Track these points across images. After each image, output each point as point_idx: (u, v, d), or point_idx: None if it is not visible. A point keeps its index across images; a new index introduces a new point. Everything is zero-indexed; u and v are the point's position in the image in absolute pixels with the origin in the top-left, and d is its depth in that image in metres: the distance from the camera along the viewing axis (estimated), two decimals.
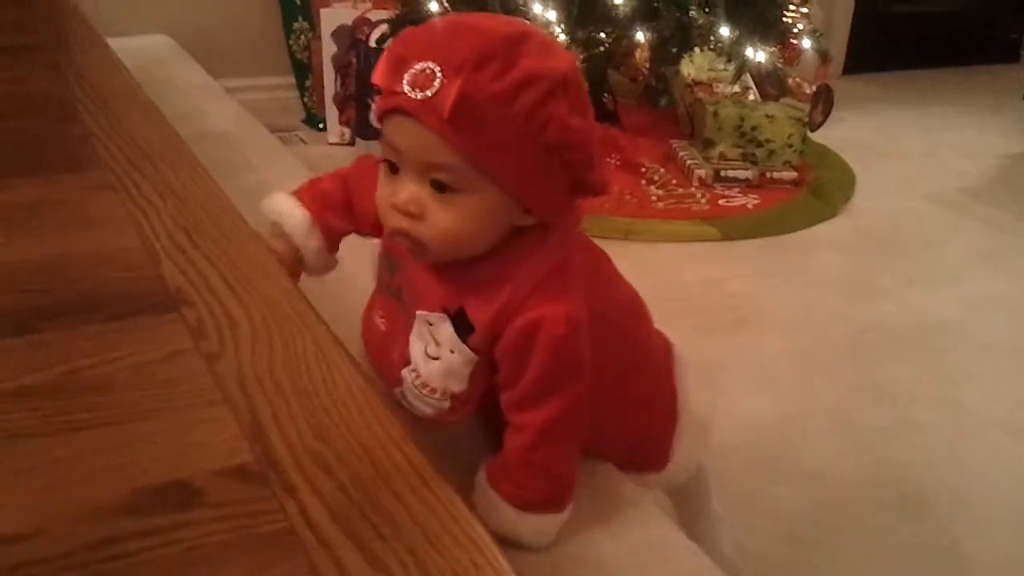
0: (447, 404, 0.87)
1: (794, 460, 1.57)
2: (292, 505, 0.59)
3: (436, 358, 0.85)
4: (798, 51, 2.61)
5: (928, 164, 3.02)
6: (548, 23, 2.40)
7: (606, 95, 2.90)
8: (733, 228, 2.41)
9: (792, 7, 2.53)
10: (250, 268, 0.90)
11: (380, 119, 0.81)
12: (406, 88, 0.76)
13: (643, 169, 2.66)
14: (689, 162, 2.69)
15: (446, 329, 0.84)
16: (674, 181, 2.63)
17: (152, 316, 0.81)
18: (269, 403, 0.69)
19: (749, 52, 2.46)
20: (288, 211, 0.99)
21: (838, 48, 3.92)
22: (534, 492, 0.87)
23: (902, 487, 1.52)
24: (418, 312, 0.85)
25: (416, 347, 0.86)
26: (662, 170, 2.67)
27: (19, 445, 0.65)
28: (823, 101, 2.91)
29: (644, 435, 1.02)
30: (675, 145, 2.81)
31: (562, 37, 2.43)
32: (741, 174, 2.66)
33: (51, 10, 1.91)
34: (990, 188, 2.84)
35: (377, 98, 0.81)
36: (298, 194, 1.01)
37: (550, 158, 0.79)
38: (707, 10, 2.34)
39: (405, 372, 0.87)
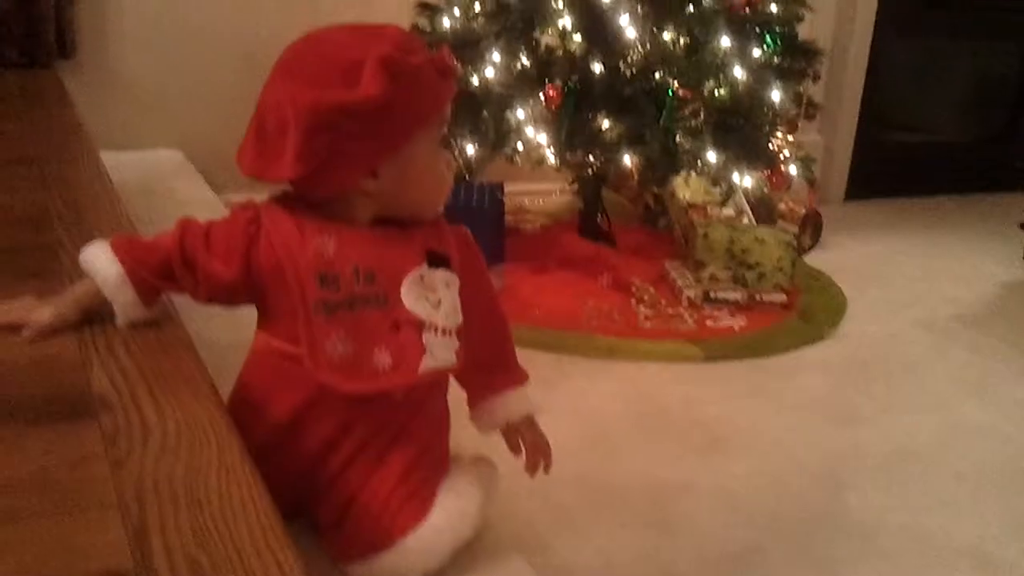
0: (459, 342, 1.05)
1: None
2: None
3: (439, 302, 1.03)
4: (787, 177, 2.66)
5: (922, 290, 3.03)
6: (539, 145, 2.47)
7: (600, 215, 2.96)
8: (717, 349, 2.42)
9: (778, 134, 2.59)
10: (178, 378, 0.93)
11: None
12: None
13: (633, 289, 2.70)
14: (680, 283, 2.73)
15: (435, 272, 1.04)
16: (663, 301, 2.66)
17: (70, 422, 0.84)
18: (160, 511, 0.71)
19: (736, 177, 2.51)
20: (101, 265, 1.02)
21: (839, 174, 3.99)
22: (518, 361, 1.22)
23: None
24: (406, 278, 1.02)
25: (421, 308, 1.02)
26: (652, 290, 2.70)
27: None
28: (811, 226, 2.95)
29: None
30: (668, 266, 2.85)
31: (552, 160, 2.50)
32: (731, 296, 2.69)
33: (51, 124, 2.00)
34: (982, 315, 2.84)
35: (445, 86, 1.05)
36: (116, 247, 1.04)
37: None
38: (693, 136, 2.40)
39: (427, 336, 1.01)
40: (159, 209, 1.75)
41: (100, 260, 1.02)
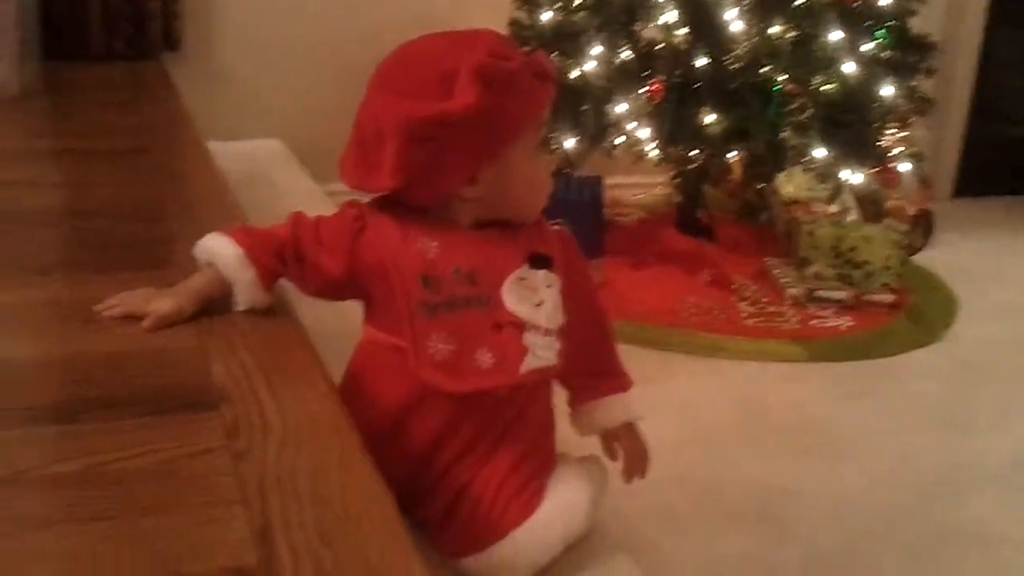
0: (560, 343, 1.03)
1: None
2: None
3: (540, 303, 1.01)
4: (896, 174, 2.57)
5: None
6: (640, 140, 2.43)
7: (701, 210, 2.90)
8: (822, 350, 2.36)
9: (890, 130, 2.51)
10: (295, 372, 0.92)
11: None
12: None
13: (734, 286, 2.64)
14: (783, 280, 2.66)
15: (537, 273, 1.02)
16: (766, 299, 2.60)
17: (191, 413, 0.83)
18: (283, 507, 0.70)
19: (844, 174, 2.43)
20: (221, 247, 1.03)
21: (948, 171, 3.85)
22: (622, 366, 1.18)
23: None
24: (508, 279, 1.01)
25: (523, 310, 1.01)
26: (754, 287, 2.64)
27: (37, 532, 0.68)
28: (923, 226, 2.85)
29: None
30: (769, 263, 2.78)
31: (655, 153, 2.46)
32: (836, 295, 2.61)
33: (159, 116, 2.03)
34: None
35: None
36: (232, 232, 1.05)
37: None
38: (801, 131, 2.33)
39: (529, 336, 1.00)
40: (261, 199, 1.75)
41: (218, 244, 1.03)
